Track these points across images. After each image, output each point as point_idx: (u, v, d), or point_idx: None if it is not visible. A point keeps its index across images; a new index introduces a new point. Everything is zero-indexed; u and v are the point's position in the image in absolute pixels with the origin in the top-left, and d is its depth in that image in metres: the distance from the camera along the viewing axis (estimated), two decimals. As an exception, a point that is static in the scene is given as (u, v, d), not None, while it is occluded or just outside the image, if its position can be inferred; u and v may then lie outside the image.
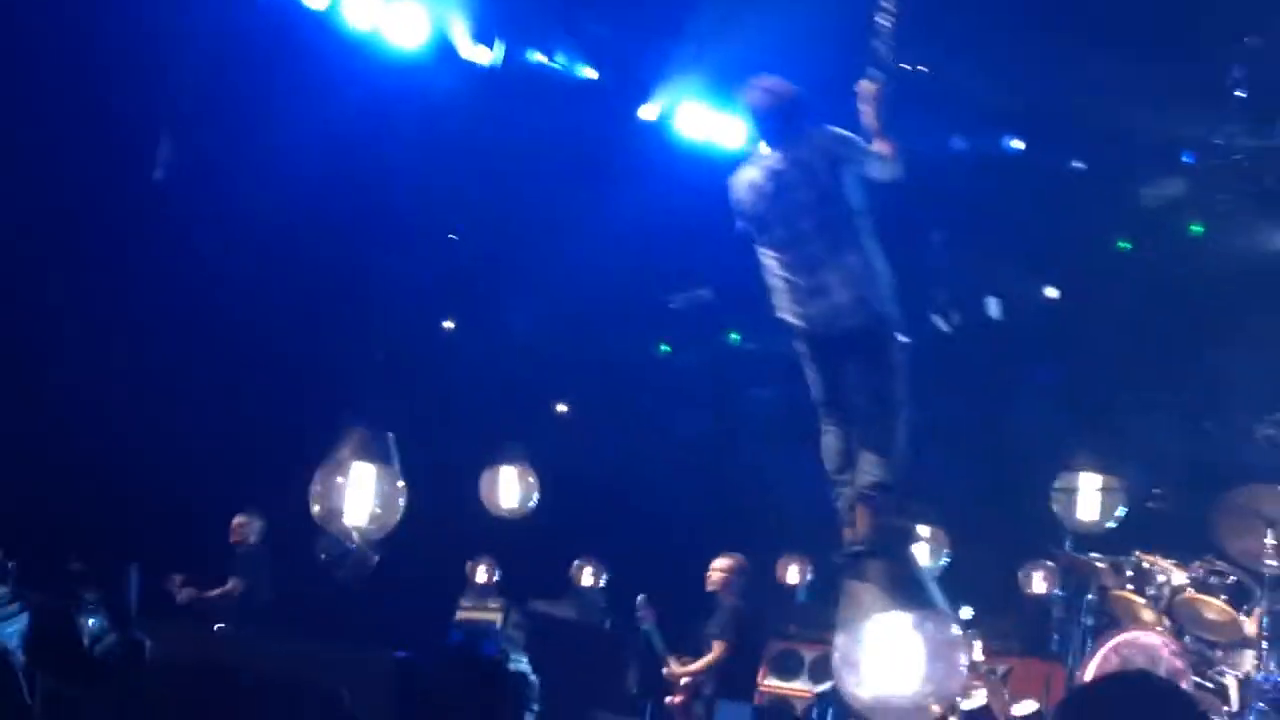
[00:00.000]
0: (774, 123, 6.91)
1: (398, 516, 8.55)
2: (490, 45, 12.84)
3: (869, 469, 6.62)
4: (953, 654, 6.37)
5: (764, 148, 7.00)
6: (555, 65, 13.16)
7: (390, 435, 8.63)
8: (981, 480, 16.25)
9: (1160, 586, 9.68)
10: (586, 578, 14.16)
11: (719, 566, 11.07)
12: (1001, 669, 11.02)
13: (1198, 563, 9.56)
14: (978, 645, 11.61)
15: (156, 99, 10.41)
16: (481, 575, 13.97)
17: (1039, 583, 12.43)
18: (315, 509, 8.43)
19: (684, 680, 10.67)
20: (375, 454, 8.51)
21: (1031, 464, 15.69)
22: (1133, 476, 12.61)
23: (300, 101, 12.12)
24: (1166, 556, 9.76)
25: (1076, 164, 13.96)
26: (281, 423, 13.86)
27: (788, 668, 12.48)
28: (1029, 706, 9.60)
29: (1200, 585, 9.41)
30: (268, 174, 12.07)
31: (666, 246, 13.77)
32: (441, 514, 14.59)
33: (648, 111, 13.77)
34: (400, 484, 8.58)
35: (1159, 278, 14.06)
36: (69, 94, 10.81)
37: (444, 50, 12.68)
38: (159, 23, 10.47)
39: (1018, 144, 13.91)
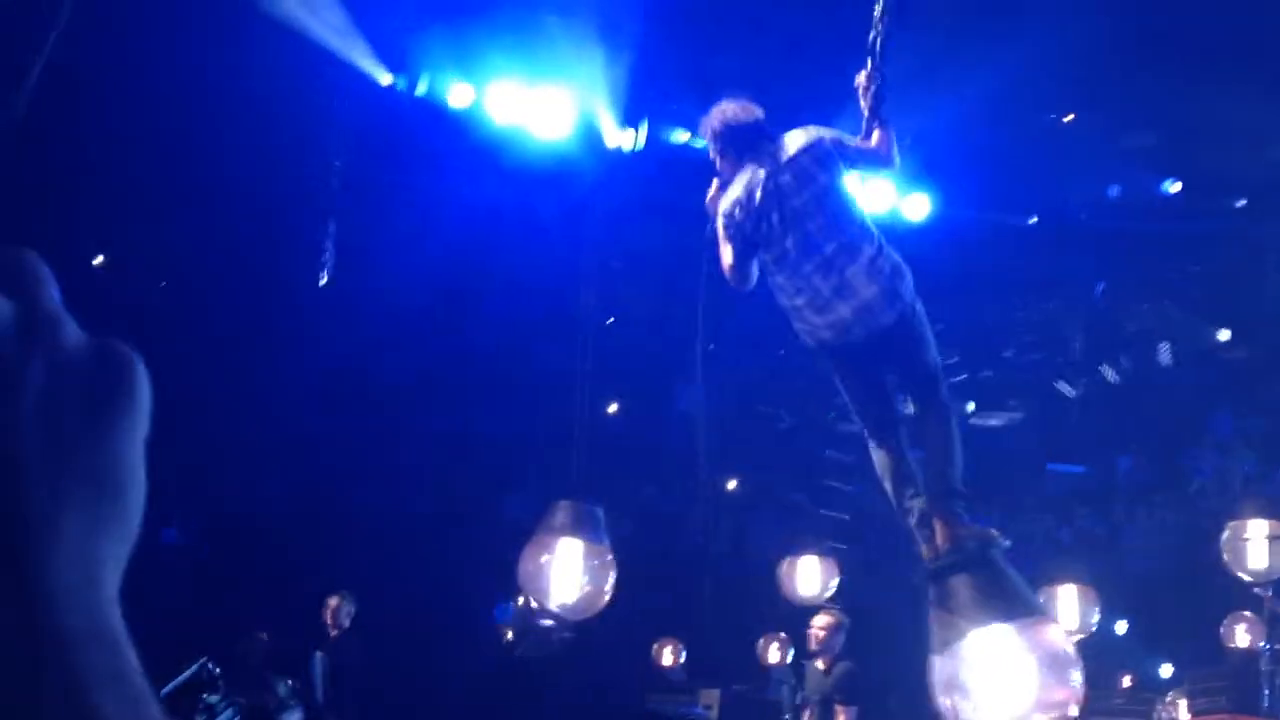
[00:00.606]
0: (748, 137, 6.56)
1: (606, 594, 8.29)
2: (635, 128, 12.88)
3: (937, 477, 6.20)
4: (1062, 658, 5.90)
5: (742, 168, 6.57)
6: (699, 144, 13.16)
7: (599, 510, 8.37)
8: (1173, 532, 15.84)
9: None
10: (773, 654, 13.93)
11: (822, 625, 10.69)
12: (1214, 727, 10.65)
13: None
14: (1183, 704, 11.24)
15: (317, 197, 10.58)
16: (668, 658, 13.84)
17: (1243, 635, 11.94)
18: (522, 586, 8.27)
19: None
20: (584, 529, 8.23)
21: (1217, 511, 15.27)
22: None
23: (450, 196, 12.28)
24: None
25: (1239, 203, 13.64)
26: (444, 505, 14.00)
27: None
28: None
29: None
30: (423, 268, 12.21)
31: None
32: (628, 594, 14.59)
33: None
34: (609, 559, 8.28)
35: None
36: (236, 187, 11.05)
37: (589, 136, 12.74)
38: (316, 123, 10.66)
39: (1175, 187, 13.60)
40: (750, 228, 6.40)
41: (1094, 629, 11.82)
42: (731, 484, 17.21)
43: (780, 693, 13.09)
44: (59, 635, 0.71)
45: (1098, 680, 12.85)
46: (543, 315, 14.13)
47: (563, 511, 8.29)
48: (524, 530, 15.77)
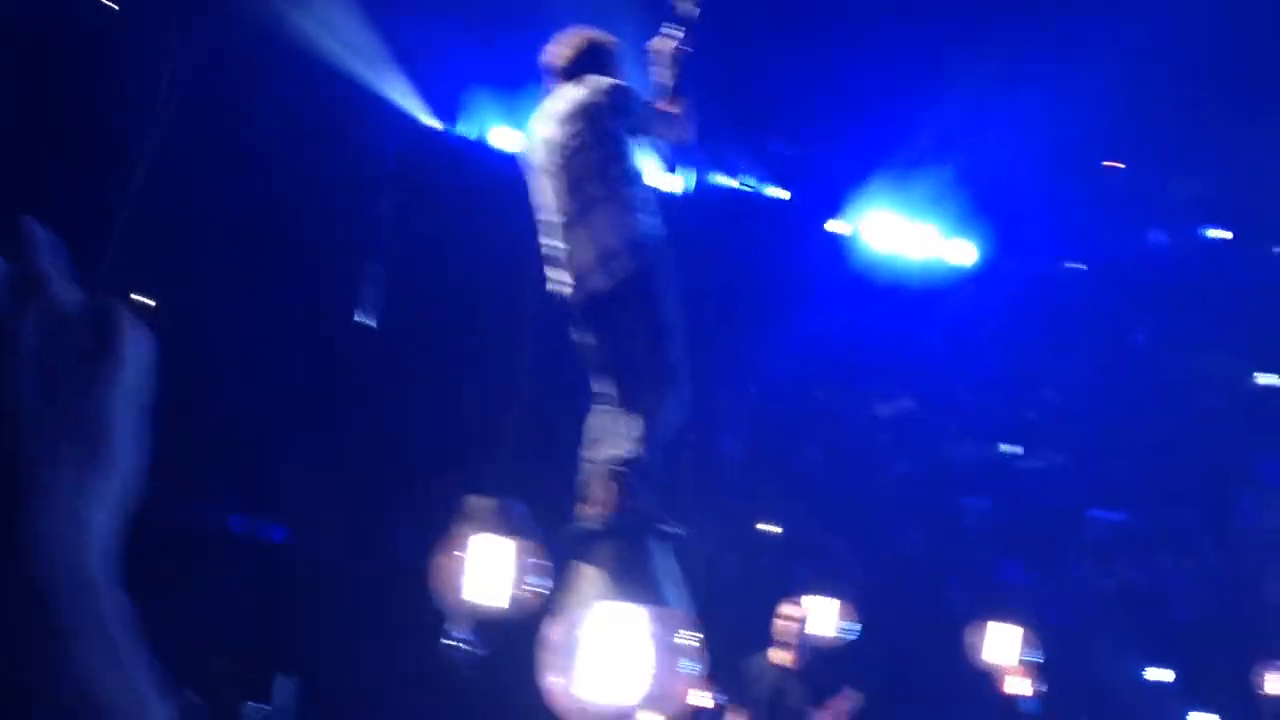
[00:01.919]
0: (571, 68, 6.20)
1: (539, 594, 7.50)
2: (674, 172, 13.06)
3: (627, 441, 5.86)
4: (678, 660, 5.48)
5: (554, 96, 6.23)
6: (746, 187, 13.34)
7: (523, 507, 7.76)
8: (1212, 580, 15.78)
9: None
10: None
11: (796, 615, 9.64)
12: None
13: None
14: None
15: (359, 237, 10.80)
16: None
17: (1277, 683, 11.89)
18: (439, 589, 7.41)
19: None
20: (508, 527, 7.60)
21: (1261, 559, 15.23)
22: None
23: (480, 234, 12.45)
24: None
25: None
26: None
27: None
28: None
29: None
30: (464, 310, 12.38)
31: (862, 357, 13.76)
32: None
33: (838, 226, 13.87)
34: (539, 559, 7.51)
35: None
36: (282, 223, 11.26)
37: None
38: (348, 163, 10.89)
39: (1221, 234, 13.67)
40: (539, 161, 6.26)
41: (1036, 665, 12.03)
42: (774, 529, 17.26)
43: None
44: (46, 584, 0.75)
45: (1138, 727, 12.90)
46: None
47: (483, 507, 7.63)
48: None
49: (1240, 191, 13.41)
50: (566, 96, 6.06)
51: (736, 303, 14.37)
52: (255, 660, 10.31)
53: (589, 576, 5.61)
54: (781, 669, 9.33)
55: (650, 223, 5.95)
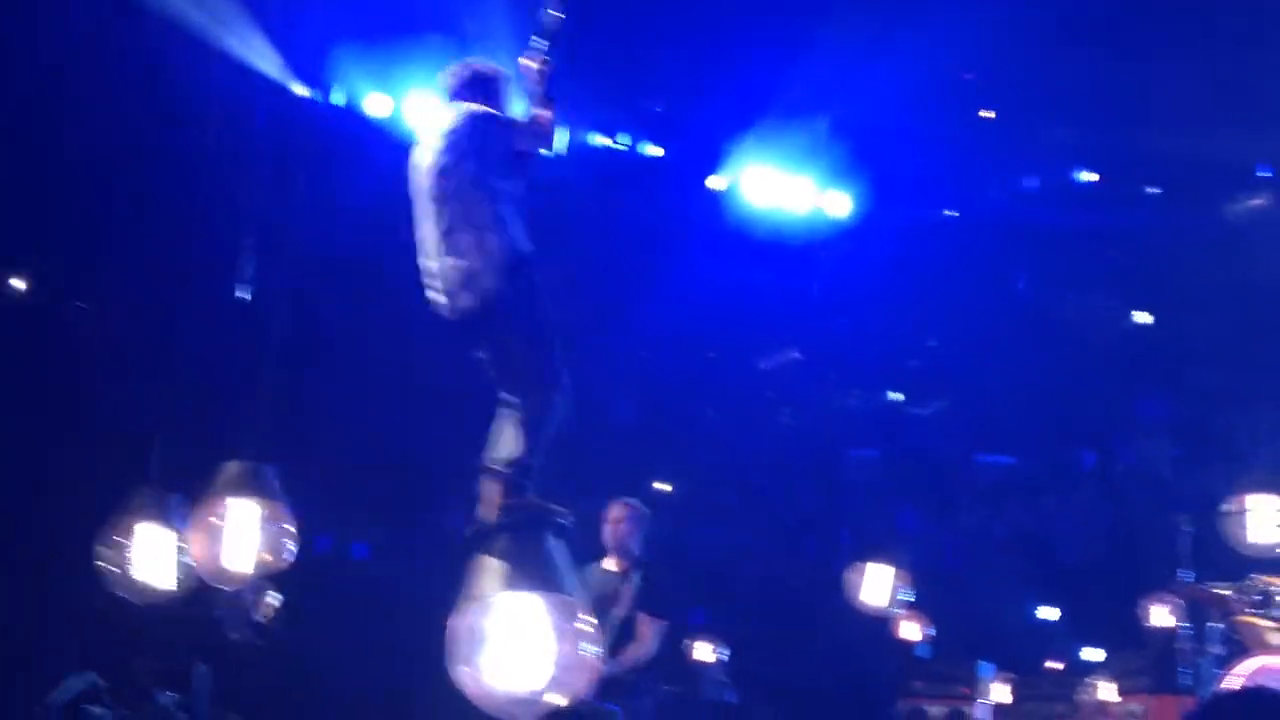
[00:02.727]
0: (455, 96, 6.68)
1: (286, 560, 7.65)
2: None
3: (509, 444, 6.29)
4: (575, 644, 5.80)
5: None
6: (619, 145, 13.28)
7: (272, 468, 7.72)
8: (1097, 520, 16.05)
9: (1285, 607, 9.42)
10: (703, 653, 14.03)
11: (617, 516, 8.98)
12: (1139, 708, 10.82)
13: (1322, 579, 9.32)
14: (1111, 687, 11.42)
15: (237, 216, 10.61)
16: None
17: (1164, 617, 12.11)
18: (193, 557, 7.53)
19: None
20: (258, 489, 7.59)
21: (1144, 498, 15.50)
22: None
23: (371, 204, 12.31)
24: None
25: (1152, 190, 13.89)
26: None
27: (917, 726, 12.28)
28: None
29: (1329, 602, 9.16)
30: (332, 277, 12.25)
31: (745, 312, 13.79)
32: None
33: (716, 182, 13.85)
34: (288, 524, 7.62)
35: (1252, 293, 13.85)
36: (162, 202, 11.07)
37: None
38: (214, 135, 10.70)
39: (1090, 176, 13.84)
40: (419, 179, 6.58)
41: (898, 609, 12.09)
42: (666, 487, 17.30)
43: (715, 691, 13.20)
44: None
45: (1027, 665, 13.10)
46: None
47: (232, 470, 7.69)
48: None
49: (1109, 134, 13.56)
50: (438, 121, 6.54)
51: (618, 263, 14.34)
52: (176, 651, 10.15)
53: (488, 570, 5.89)
54: (611, 574, 8.92)
55: (515, 240, 6.23)
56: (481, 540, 6.03)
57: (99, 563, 7.72)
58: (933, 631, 13.62)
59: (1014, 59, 12.74)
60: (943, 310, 15.54)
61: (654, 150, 13.52)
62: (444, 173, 6.34)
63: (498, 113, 6.52)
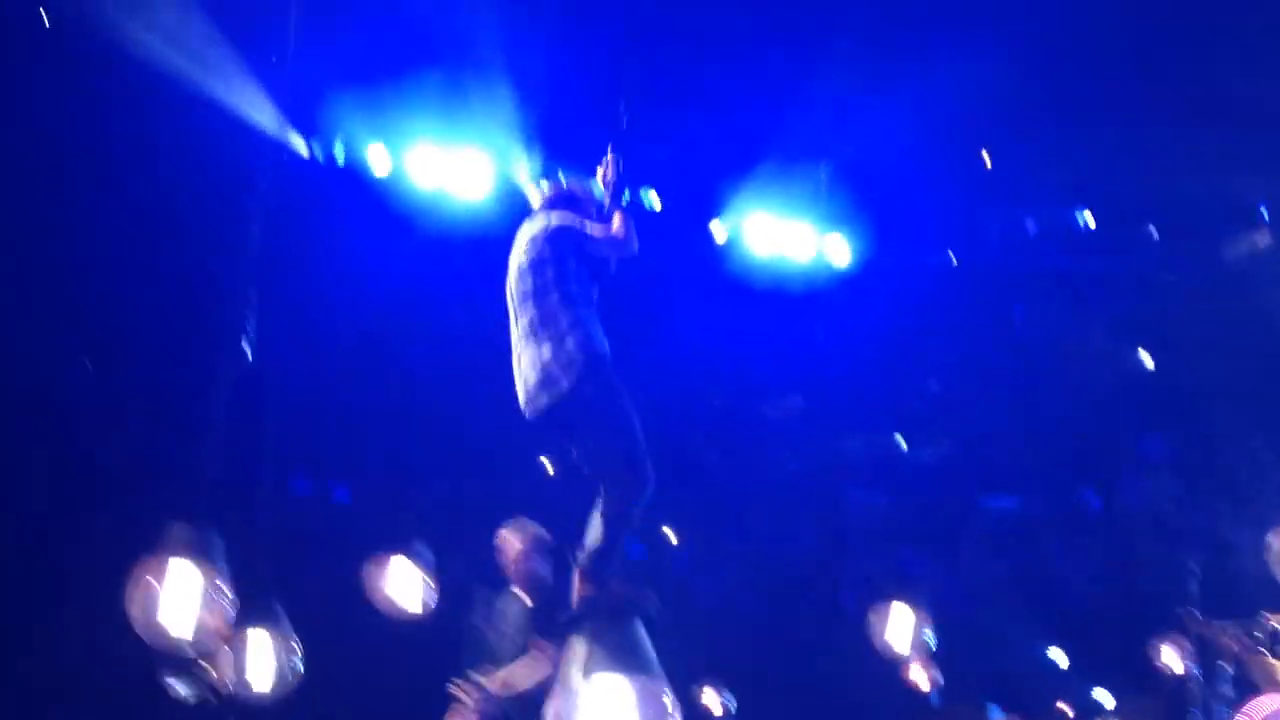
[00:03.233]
0: (548, 206, 7.27)
1: (228, 627, 7.80)
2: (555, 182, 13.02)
3: (589, 538, 6.62)
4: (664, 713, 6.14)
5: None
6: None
7: (216, 533, 7.85)
8: (1102, 561, 16.04)
9: (1294, 645, 9.42)
10: (712, 703, 14.00)
11: (511, 544, 8.70)
12: (1148, 750, 10.81)
13: (1330, 616, 9.32)
14: (1117, 728, 11.42)
15: (239, 270, 10.62)
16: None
17: (1173, 658, 12.09)
18: (134, 617, 7.56)
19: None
20: (200, 553, 7.71)
21: (1149, 538, 15.49)
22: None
23: (373, 262, 12.37)
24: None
25: (1152, 230, 13.96)
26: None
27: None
28: None
29: (1338, 640, 9.15)
30: (348, 335, 12.27)
31: (748, 359, 13.83)
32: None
33: (717, 230, 13.91)
34: (226, 588, 7.73)
35: (1252, 331, 13.90)
36: (149, 261, 11.08)
37: (510, 194, 12.88)
38: (233, 196, 10.72)
39: (1089, 218, 13.91)
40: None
41: (930, 648, 11.94)
42: (671, 534, 17.29)
43: None
44: None
45: (1036, 708, 13.07)
46: (471, 377, 14.19)
47: (177, 534, 7.80)
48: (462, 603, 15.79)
49: (1108, 176, 13.63)
50: (526, 229, 7.02)
51: (619, 312, 14.34)
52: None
53: (578, 656, 6.17)
54: (520, 601, 8.80)
55: (593, 342, 6.62)
56: (572, 627, 6.31)
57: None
58: (941, 679, 13.58)
59: (1014, 102, 12.83)
60: (944, 353, 15.58)
61: (654, 199, 13.56)
62: (525, 278, 6.75)
63: (577, 222, 6.98)
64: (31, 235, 11.14)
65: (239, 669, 7.97)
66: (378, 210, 12.41)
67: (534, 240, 6.89)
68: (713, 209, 13.90)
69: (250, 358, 10.61)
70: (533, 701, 7.98)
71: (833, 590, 15.82)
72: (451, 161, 12.60)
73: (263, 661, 7.94)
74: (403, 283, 12.63)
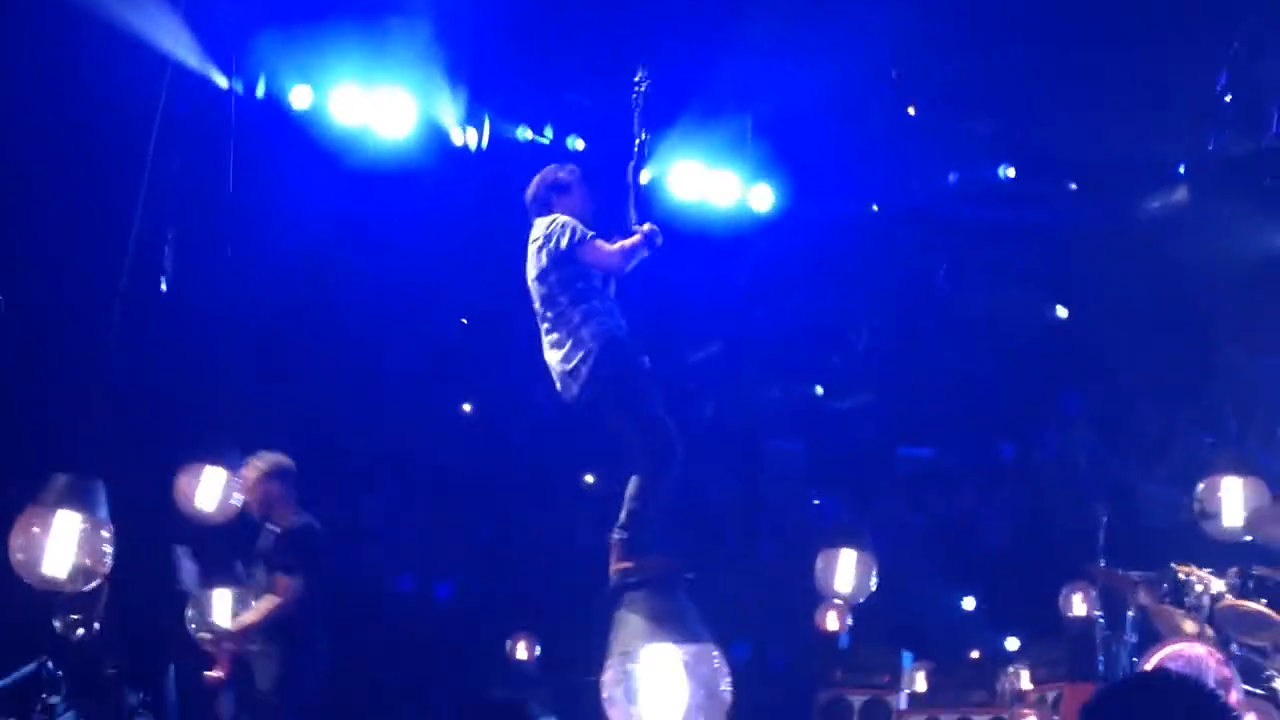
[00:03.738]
0: (534, 204, 7.70)
1: (104, 568, 8.02)
2: (479, 127, 12.96)
3: (620, 515, 7.12)
4: (712, 685, 6.59)
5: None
6: (543, 139, 13.29)
7: (99, 482, 8.09)
8: (1016, 511, 16.24)
9: (1199, 596, 9.58)
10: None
11: (249, 477, 8.73)
12: (1052, 695, 10.95)
13: (1234, 569, 9.48)
14: (1025, 674, 11.56)
15: (151, 204, 10.46)
16: (522, 651, 13.97)
17: (1079, 605, 12.28)
18: (16, 560, 7.89)
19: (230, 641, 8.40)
20: (81, 501, 7.98)
21: (1062, 488, 15.70)
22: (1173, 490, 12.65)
23: (294, 199, 12.25)
24: (1201, 566, 9.69)
25: (1070, 185, 14.07)
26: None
27: (839, 714, 12.38)
28: None
29: (1240, 591, 9.32)
30: (263, 273, 12.16)
31: (671, 305, 13.83)
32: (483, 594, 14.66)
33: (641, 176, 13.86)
34: (106, 533, 8.00)
35: (1168, 288, 14.07)
36: (64, 192, 10.91)
37: (433, 136, 12.80)
38: (150, 127, 10.54)
39: (1009, 172, 13.99)
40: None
41: (869, 593, 11.97)
42: (589, 478, 17.33)
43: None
44: None
45: (947, 654, 13.23)
46: (392, 316, 14.14)
47: (59, 484, 8.04)
48: (383, 536, 15.74)
49: (1029, 130, 13.72)
50: (533, 230, 7.49)
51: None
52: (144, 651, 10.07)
53: (628, 625, 6.56)
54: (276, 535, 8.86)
55: (608, 331, 7.16)
56: (618, 598, 6.70)
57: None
58: (851, 621, 13.73)
59: (935, 55, 12.88)
60: (865, 304, 15.68)
61: (579, 143, 13.52)
62: (538, 285, 7.30)
63: (572, 222, 7.41)
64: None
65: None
66: (299, 144, 12.29)
67: (537, 252, 7.36)
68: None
69: (164, 289, 10.48)
70: (277, 630, 8.37)
71: (748, 534, 15.96)
72: (374, 100, 12.51)
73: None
74: (325, 216, 12.55)
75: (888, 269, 15.17)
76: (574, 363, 7.12)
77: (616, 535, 7.06)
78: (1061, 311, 15.81)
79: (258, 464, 8.84)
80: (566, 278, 7.28)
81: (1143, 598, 10.13)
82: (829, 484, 15.83)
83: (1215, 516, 10.36)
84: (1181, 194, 13.69)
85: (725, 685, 6.56)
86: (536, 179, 7.77)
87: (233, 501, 9.63)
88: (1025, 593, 13.74)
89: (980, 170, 14.40)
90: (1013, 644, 13.95)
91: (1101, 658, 10.53)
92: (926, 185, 14.52)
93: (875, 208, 14.76)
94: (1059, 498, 15.60)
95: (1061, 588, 12.62)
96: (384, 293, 13.81)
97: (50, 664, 7.36)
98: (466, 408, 16.41)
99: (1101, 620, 10.77)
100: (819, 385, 16.76)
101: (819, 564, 11.89)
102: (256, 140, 12.03)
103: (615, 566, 6.99)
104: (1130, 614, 10.35)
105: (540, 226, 7.46)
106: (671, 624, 6.55)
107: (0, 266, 10.85)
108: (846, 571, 11.79)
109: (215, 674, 8.49)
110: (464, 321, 15.68)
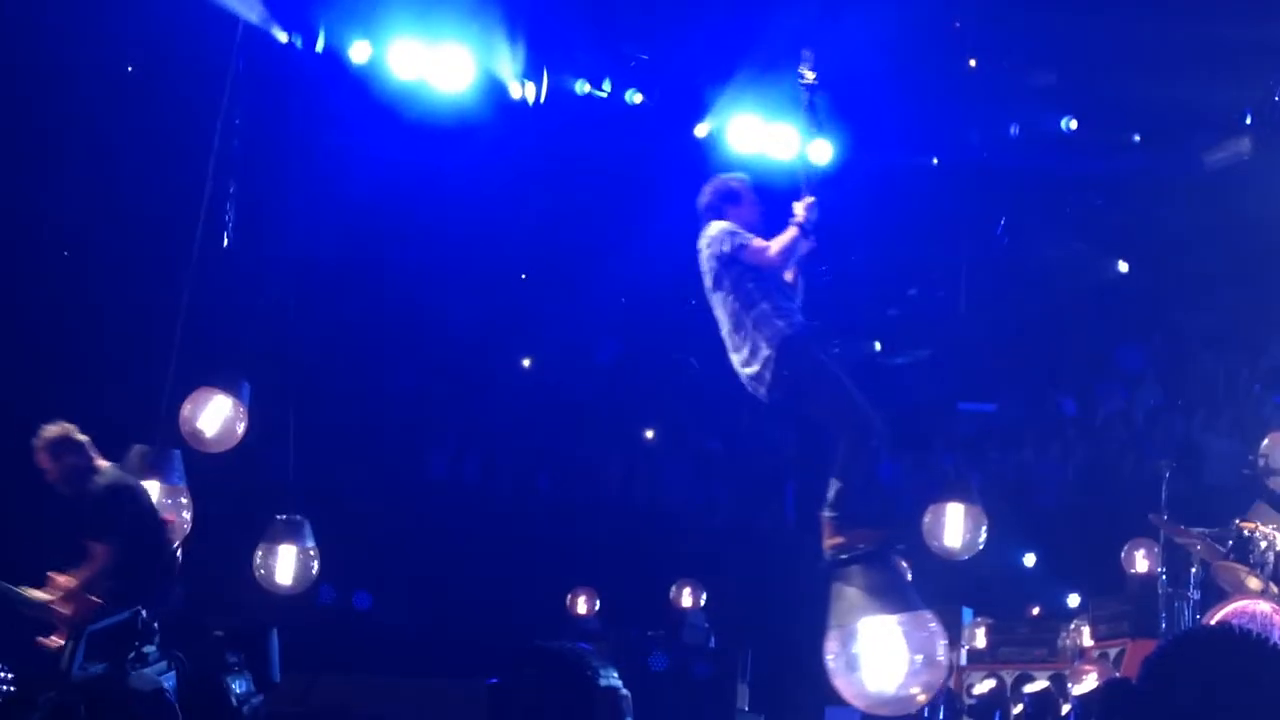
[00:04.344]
0: (706, 211, 7.74)
1: (184, 532, 8.75)
2: (537, 81, 12.93)
3: (828, 494, 7.27)
4: (932, 650, 6.87)
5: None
6: (601, 93, 13.25)
7: (176, 451, 8.81)
8: (1076, 466, 16.14)
9: (1264, 552, 9.53)
10: (685, 599, 14.15)
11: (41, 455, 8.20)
12: (1114, 652, 10.91)
13: (1302, 525, 9.41)
14: (1086, 631, 11.51)
15: (217, 158, 10.50)
16: (582, 607, 14.04)
17: (1142, 561, 12.21)
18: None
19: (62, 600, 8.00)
20: (160, 470, 8.75)
21: (1123, 444, 15.59)
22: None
23: (354, 153, 12.28)
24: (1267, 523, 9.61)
25: (1135, 137, 13.89)
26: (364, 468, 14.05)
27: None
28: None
29: (1306, 548, 9.25)
30: (326, 227, 12.21)
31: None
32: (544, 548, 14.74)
33: (699, 130, 13.82)
34: (185, 499, 8.87)
35: (1231, 241, 13.90)
36: (128, 151, 11.00)
37: (491, 90, 12.79)
38: (213, 83, 10.59)
39: (1072, 124, 13.83)
40: None
41: (980, 548, 11.90)
42: (649, 433, 17.37)
43: (694, 636, 13.28)
44: None
45: (1007, 610, 13.19)
46: (452, 270, 14.17)
47: (139, 454, 8.67)
48: (447, 487, 15.82)
49: (1092, 81, 13.57)
50: (704, 237, 7.57)
51: (600, 209, 14.33)
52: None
53: (846, 598, 6.87)
54: None
55: (785, 328, 7.26)
56: (835, 572, 6.97)
57: None
58: (910, 577, 13.69)
59: (997, 5, 12.75)
60: (924, 258, 15.57)
61: (637, 97, 13.47)
62: (711, 292, 7.46)
63: (729, 227, 7.50)
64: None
65: None
66: (358, 99, 12.31)
67: (705, 258, 7.48)
68: (696, 109, 13.80)
69: (226, 243, 10.57)
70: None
71: (808, 492, 15.92)
72: (432, 54, 12.50)
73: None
74: (384, 171, 12.57)
75: (947, 223, 15.05)
76: (756, 368, 7.27)
77: (827, 514, 7.19)
78: (1123, 266, 15.65)
79: (41, 442, 8.27)
80: (736, 281, 7.40)
81: (1206, 554, 10.07)
82: (888, 441, 15.76)
83: (1279, 472, 10.28)
84: (1245, 145, 13.48)
85: (942, 650, 6.86)
86: (709, 187, 7.84)
87: (236, 432, 10.11)
88: (1087, 549, 13.67)
89: (1043, 122, 14.23)
90: (1074, 600, 13.88)
91: (1164, 615, 10.47)
92: (987, 137, 14.36)
93: (935, 161, 14.62)
94: (1121, 453, 15.49)
95: (1124, 544, 12.56)
96: (442, 247, 13.84)
97: (143, 613, 7.46)
98: (526, 363, 16.45)
99: (1164, 577, 10.68)
100: (876, 341, 16.68)
101: (926, 519, 11.89)
102: (316, 95, 12.07)
103: (828, 543, 7.14)
104: (1194, 570, 10.29)
105: (703, 239, 7.59)
106: (886, 594, 6.80)
107: (75, 225, 10.99)
108: (955, 526, 11.80)
109: (52, 640, 8.00)
110: (524, 277, 15.71)
